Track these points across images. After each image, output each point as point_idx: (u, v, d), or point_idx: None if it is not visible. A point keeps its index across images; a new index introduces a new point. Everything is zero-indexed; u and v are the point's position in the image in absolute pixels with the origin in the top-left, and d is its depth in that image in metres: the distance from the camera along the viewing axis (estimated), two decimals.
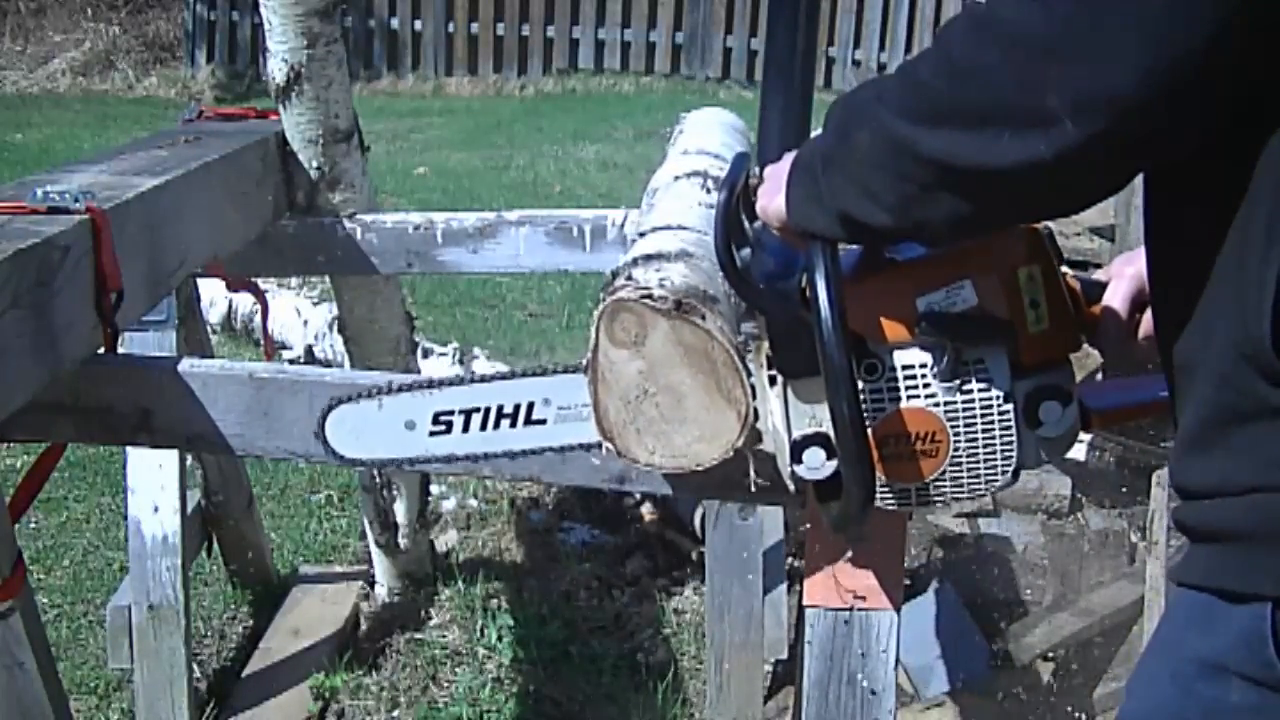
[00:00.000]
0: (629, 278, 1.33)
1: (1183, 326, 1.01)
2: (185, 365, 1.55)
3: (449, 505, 3.62)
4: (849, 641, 1.46)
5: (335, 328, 3.88)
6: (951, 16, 1.00)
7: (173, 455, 2.42)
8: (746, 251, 1.21)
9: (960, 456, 1.18)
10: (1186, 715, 1.03)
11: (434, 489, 3.38)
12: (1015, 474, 1.20)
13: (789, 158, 1.14)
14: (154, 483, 2.43)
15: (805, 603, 1.48)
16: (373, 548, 3.14)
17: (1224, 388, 0.97)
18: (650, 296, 1.29)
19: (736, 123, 2.48)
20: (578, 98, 10.59)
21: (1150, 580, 2.51)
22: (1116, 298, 1.26)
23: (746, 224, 1.23)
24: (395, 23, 11.00)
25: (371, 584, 3.21)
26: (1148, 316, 1.25)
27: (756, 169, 1.25)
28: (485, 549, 3.45)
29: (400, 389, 1.43)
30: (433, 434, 1.42)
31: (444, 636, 3.01)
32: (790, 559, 2.89)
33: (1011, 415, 1.17)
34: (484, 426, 1.41)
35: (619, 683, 2.85)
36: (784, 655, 2.79)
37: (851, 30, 11.03)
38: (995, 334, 1.16)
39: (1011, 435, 1.18)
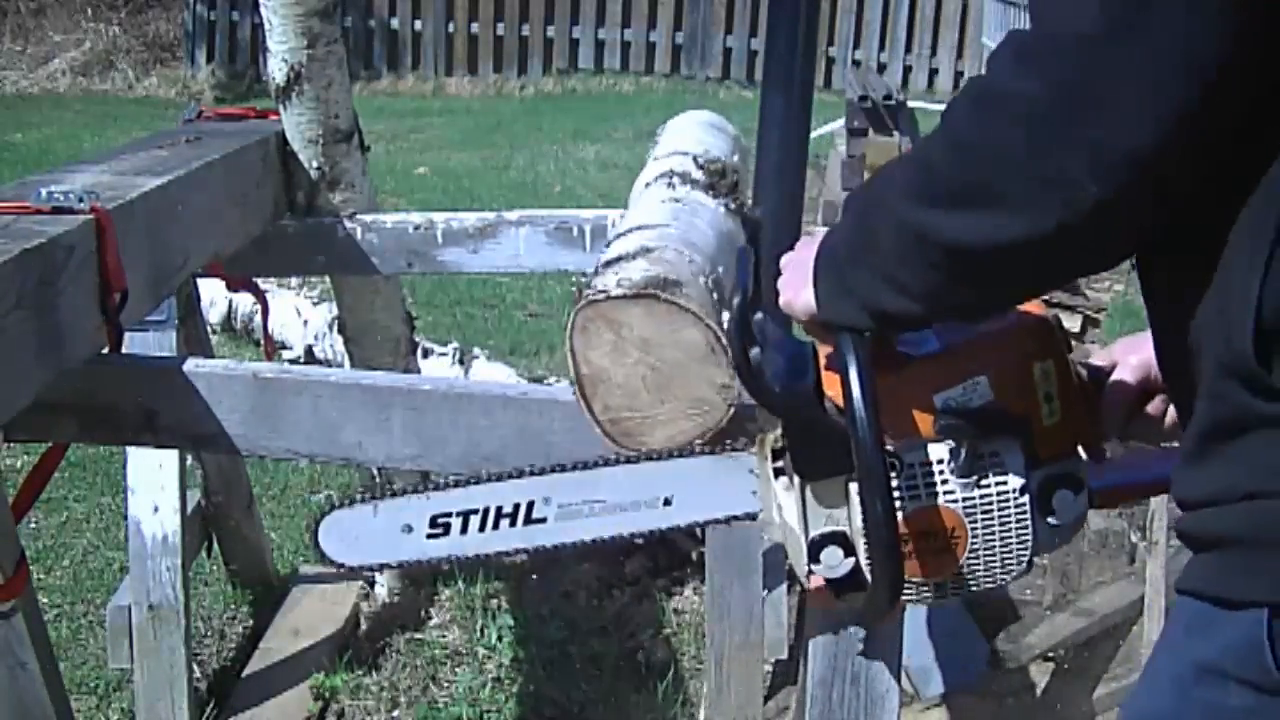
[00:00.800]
0: (589, 287, 1.36)
1: (1180, 350, 1.02)
2: (190, 365, 1.56)
3: None
4: (852, 642, 1.46)
5: (335, 328, 3.88)
6: (953, 97, 1.00)
7: (173, 455, 2.41)
8: (755, 351, 1.19)
9: (978, 550, 1.18)
10: (1185, 718, 1.03)
11: None
12: (1029, 564, 1.21)
13: (805, 246, 1.14)
14: (154, 483, 2.43)
15: (809, 603, 1.48)
16: None
17: (1215, 402, 0.97)
18: (610, 296, 1.33)
19: (714, 120, 2.50)
20: (578, 98, 10.60)
21: (1150, 580, 2.52)
22: (1121, 387, 1.27)
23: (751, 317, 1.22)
24: (395, 23, 11.00)
25: (371, 584, 3.20)
26: (1154, 403, 1.26)
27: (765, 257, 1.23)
28: None
29: (396, 494, 1.40)
30: (430, 536, 1.39)
31: (444, 636, 3.01)
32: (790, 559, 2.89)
33: (1027, 506, 1.18)
34: (482, 527, 1.38)
35: (619, 683, 2.85)
36: (784, 655, 2.79)
37: (851, 30, 11.03)
38: (1011, 428, 1.16)
39: (1027, 526, 1.19)
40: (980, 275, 0.97)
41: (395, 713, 2.76)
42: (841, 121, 6.76)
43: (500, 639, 2.98)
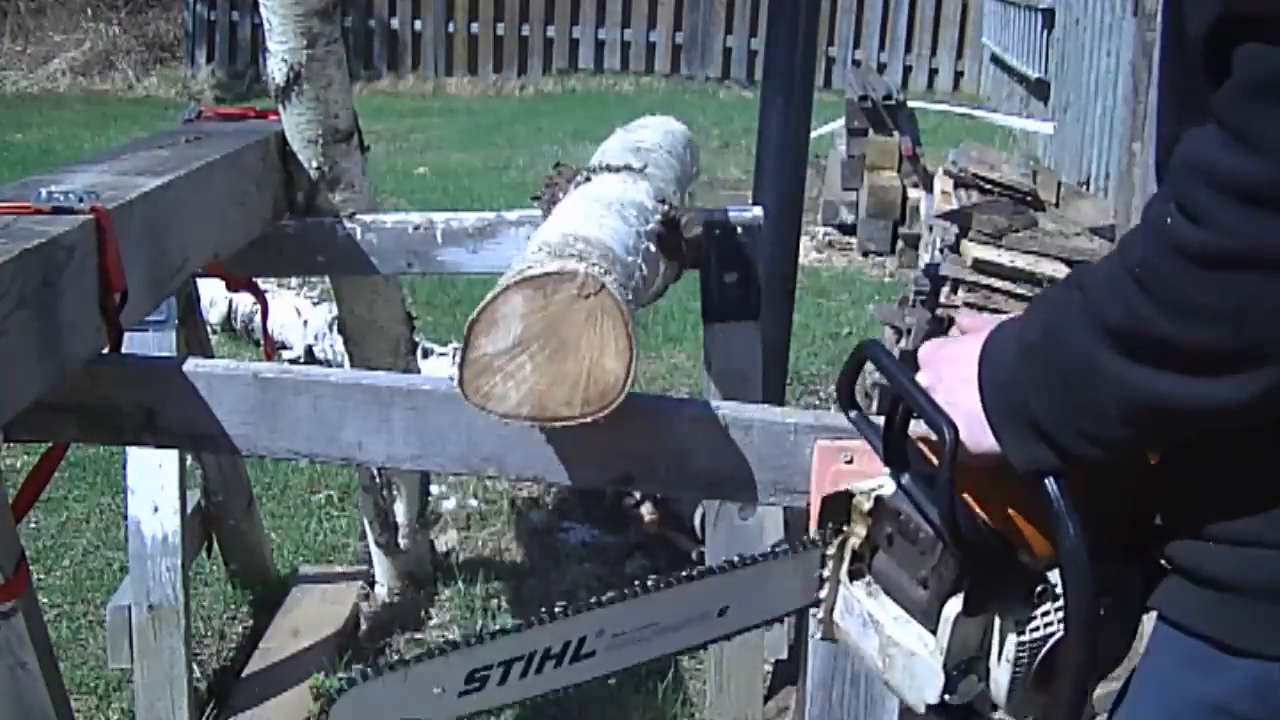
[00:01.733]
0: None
1: None
2: (190, 365, 1.56)
3: (449, 505, 3.62)
4: None
5: (335, 328, 3.89)
6: (1156, 230, 0.90)
7: (173, 455, 2.42)
8: (907, 478, 1.13)
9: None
10: None
11: (434, 489, 3.38)
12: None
13: (948, 349, 1.09)
14: (154, 483, 2.43)
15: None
16: (373, 548, 3.14)
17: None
18: (462, 364, 1.36)
19: (638, 123, 2.49)
20: (578, 98, 10.60)
21: None
22: None
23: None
24: (395, 23, 11.01)
25: (371, 584, 3.21)
26: None
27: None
28: (485, 549, 3.45)
29: (418, 660, 1.18)
30: (463, 694, 1.22)
31: (444, 636, 3.01)
32: None
33: None
34: (525, 673, 1.23)
35: (619, 683, 2.85)
36: (784, 655, 2.79)
37: (851, 30, 11.04)
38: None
39: None
40: (1175, 430, 0.94)
41: None
42: (841, 121, 6.77)
43: None
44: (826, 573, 1.24)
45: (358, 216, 2.40)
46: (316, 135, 2.33)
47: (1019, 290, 4.14)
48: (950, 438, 1.02)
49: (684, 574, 1.26)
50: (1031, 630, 1.10)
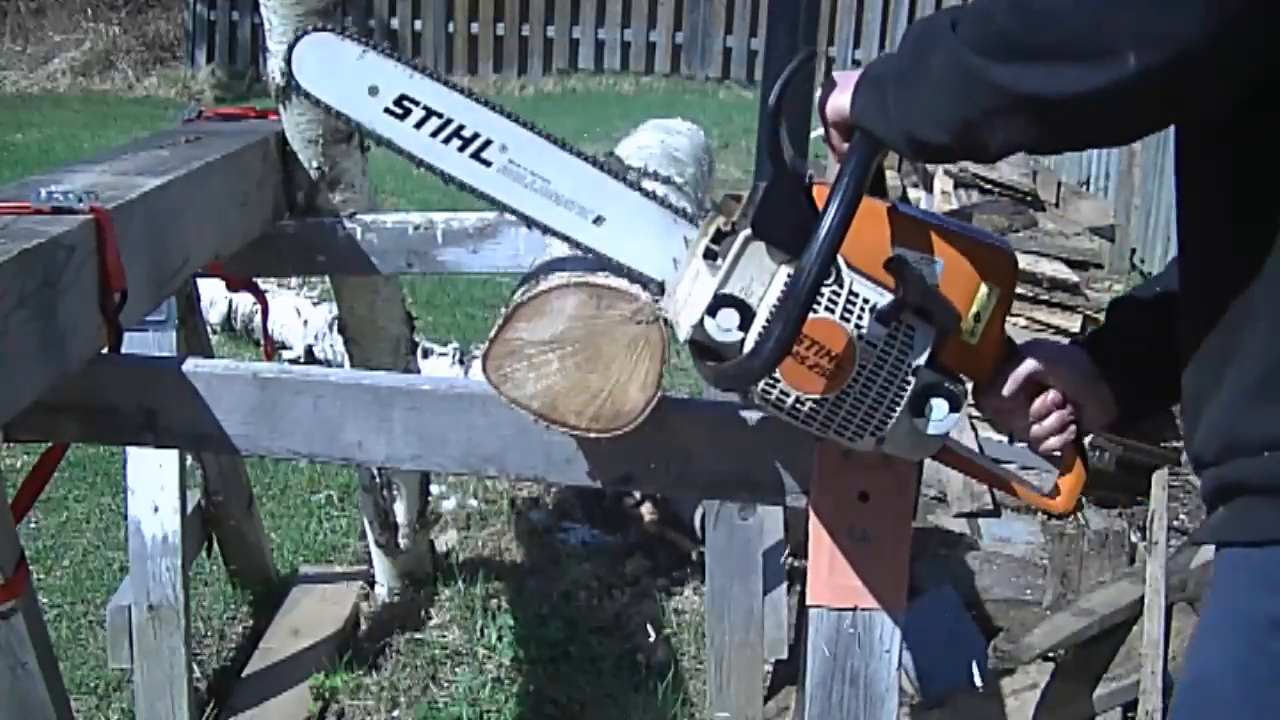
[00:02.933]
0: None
1: (1227, 288, 1.07)
2: (189, 365, 1.56)
3: (449, 505, 3.62)
4: (852, 641, 1.46)
5: (335, 328, 3.89)
6: None
7: (173, 455, 2.42)
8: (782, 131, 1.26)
9: (848, 395, 1.23)
10: (1254, 673, 1.05)
11: (434, 489, 3.38)
12: (879, 443, 1.26)
13: (858, 71, 1.22)
14: (154, 483, 2.43)
15: (809, 602, 1.48)
16: (373, 548, 3.14)
17: None
18: (493, 338, 1.38)
19: (669, 124, 2.53)
20: (578, 98, 10.59)
21: (1150, 580, 2.52)
22: (1023, 366, 1.32)
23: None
24: (395, 23, 11.00)
25: (371, 584, 3.21)
26: (1036, 402, 1.33)
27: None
28: (485, 549, 3.45)
29: (385, 54, 1.42)
30: (387, 110, 1.41)
31: (444, 636, 3.01)
32: (790, 559, 2.89)
33: (908, 389, 1.24)
34: (435, 134, 1.41)
35: (619, 683, 2.85)
36: (784, 655, 2.79)
37: (851, 30, 11.03)
38: (940, 314, 1.23)
39: (897, 406, 1.24)
40: (1011, 120, 1.05)
41: (395, 713, 2.76)
42: None
43: (500, 639, 2.98)
44: (690, 240, 1.35)
45: (358, 216, 2.40)
46: (316, 135, 2.33)
47: (1019, 290, 4.14)
48: (803, 58, 1.22)
49: (579, 150, 1.42)
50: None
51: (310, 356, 4.55)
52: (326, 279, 3.57)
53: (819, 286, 1.16)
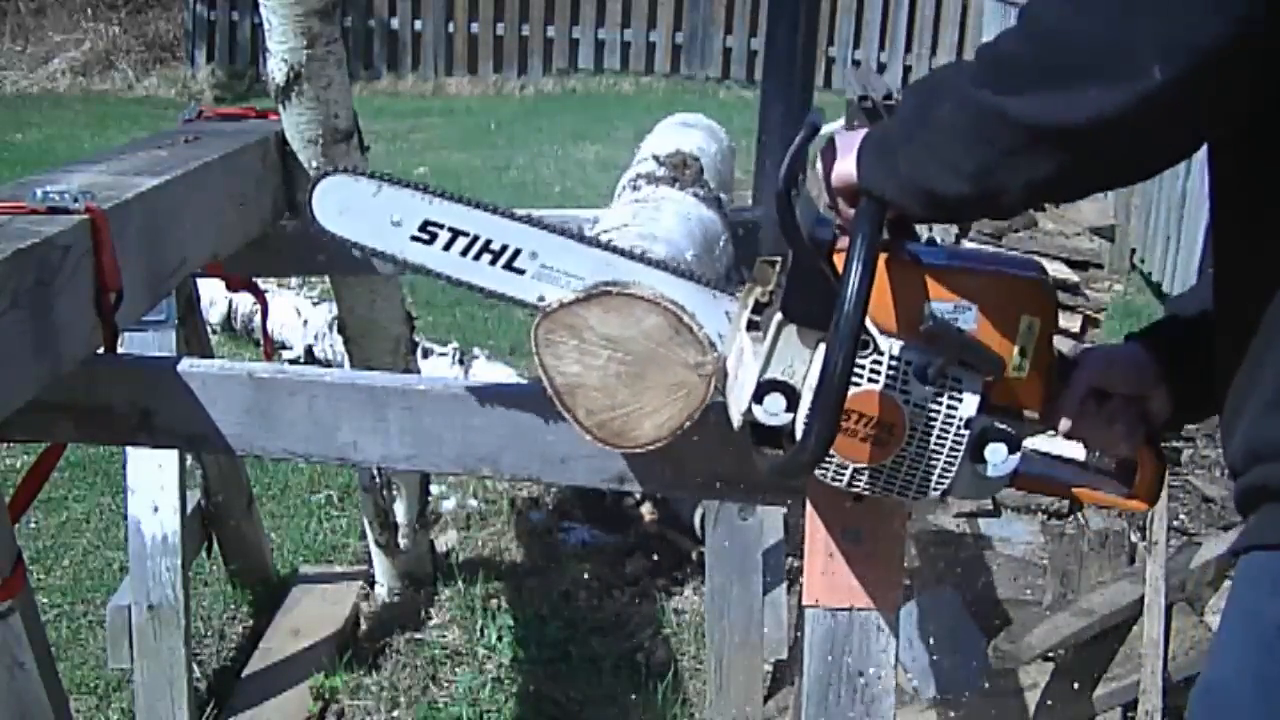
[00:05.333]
0: (541, 298, 1.40)
1: (1257, 303, 1.06)
2: (185, 365, 1.56)
3: (449, 505, 3.62)
4: (849, 641, 1.46)
5: (335, 328, 3.88)
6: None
7: (172, 455, 2.42)
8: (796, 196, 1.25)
9: (905, 457, 1.22)
10: (1268, 675, 1.05)
11: (434, 489, 3.38)
12: (943, 495, 1.25)
13: (861, 131, 1.18)
14: (154, 483, 2.43)
15: (805, 602, 1.48)
16: (373, 548, 3.14)
17: None
18: (564, 304, 1.36)
19: (687, 119, 2.55)
20: (578, 98, 10.59)
21: (1150, 580, 2.51)
22: (1083, 380, 1.30)
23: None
24: (395, 23, 11.00)
25: (371, 584, 3.21)
26: (1105, 408, 1.30)
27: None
28: (485, 549, 3.45)
29: (400, 185, 1.43)
30: (414, 239, 1.42)
31: (444, 636, 3.01)
32: (790, 559, 2.89)
33: (964, 441, 1.22)
34: (465, 252, 1.42)
35: (619, 683, 2.85)
36: (784, 655, 2.79)
37: (851, 30, 11.03)
38: (982, 362, 1.20)
39: (956, 459, 1.22)
40: (1032, 156, 1.00)
41: (395, 713, 2.76)
42: (841, 122, 6.77)
43: (500, 639, 2.98)
44: (733, 314, 1.35)
45: None
46: (316, 135, 2.33)
47: None
48: (806, 135, 1.19)
49: (604, 242, 1.43)
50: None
51: (310, 356, 4.55)
52: (326, 279, 3.57)
53: (850, 369, 1.14)
